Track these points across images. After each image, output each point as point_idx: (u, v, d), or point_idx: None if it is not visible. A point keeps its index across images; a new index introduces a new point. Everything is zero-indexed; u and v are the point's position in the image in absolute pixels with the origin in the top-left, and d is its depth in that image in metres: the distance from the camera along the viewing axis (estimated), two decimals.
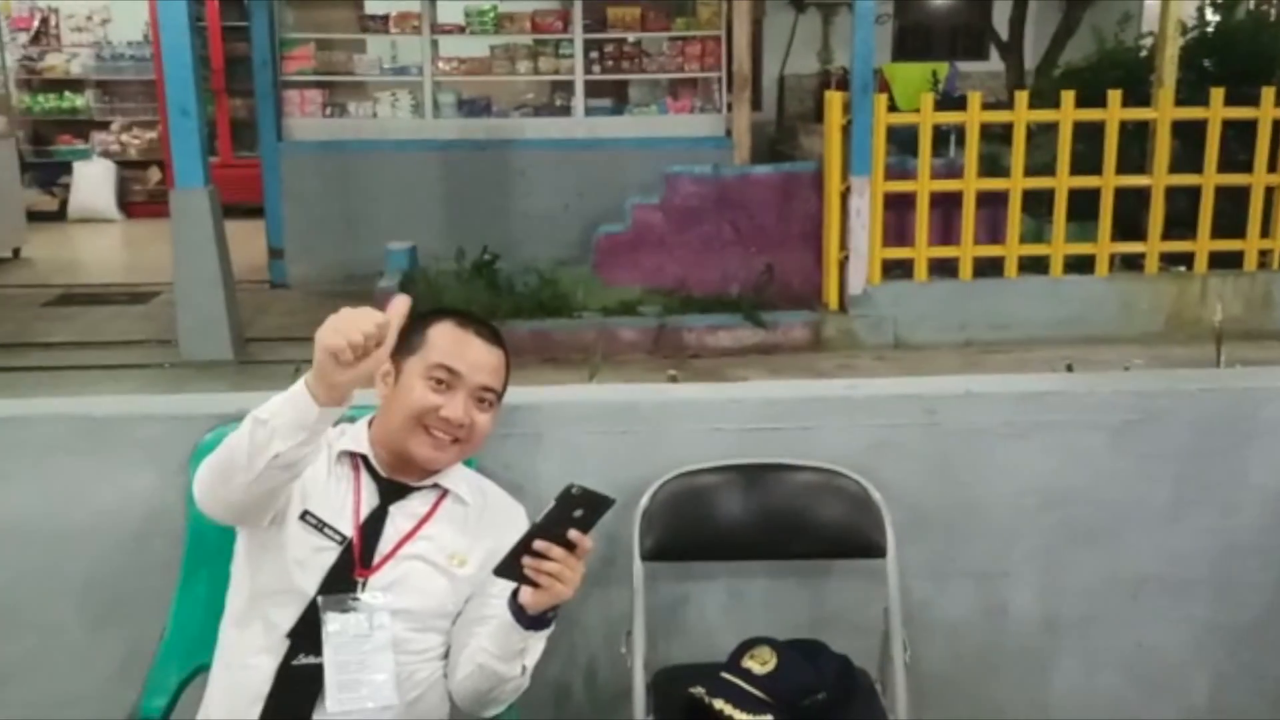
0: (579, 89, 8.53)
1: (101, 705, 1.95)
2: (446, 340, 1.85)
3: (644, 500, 2.14)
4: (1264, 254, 7.07)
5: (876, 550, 2.14)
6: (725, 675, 2.04)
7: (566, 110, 8.60)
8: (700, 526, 2.16)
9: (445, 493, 1.87)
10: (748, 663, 2.06)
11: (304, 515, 1.78)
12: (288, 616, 1.75)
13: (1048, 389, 2.32)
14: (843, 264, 6.94)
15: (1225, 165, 6.91)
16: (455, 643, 1.83)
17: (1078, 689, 2.38)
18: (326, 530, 1.78)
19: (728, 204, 7.29)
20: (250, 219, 8.76)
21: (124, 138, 12.02)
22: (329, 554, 1.77)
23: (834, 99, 6.91)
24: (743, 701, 1.98)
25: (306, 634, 1.74)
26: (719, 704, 1.98)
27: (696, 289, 7.07)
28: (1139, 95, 7.04)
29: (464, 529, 1.86)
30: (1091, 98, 6.81)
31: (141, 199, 11.83)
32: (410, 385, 1.82)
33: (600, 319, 6.78)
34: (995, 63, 11.06)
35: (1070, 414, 2.28)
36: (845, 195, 6.86)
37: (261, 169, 8.47)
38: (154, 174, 11.91)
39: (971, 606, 2.32)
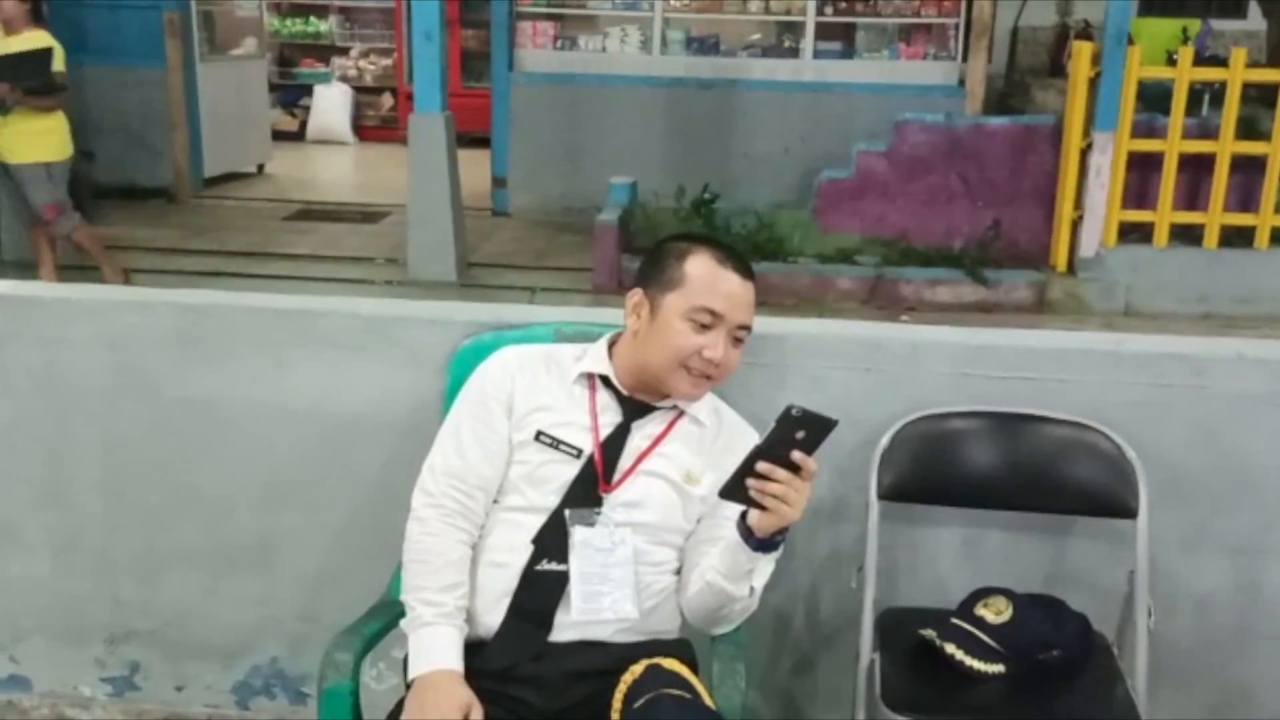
0: (809, 30, 8.38)
1: (358, 583, 2.08)
2: (707, 278, 1.83)
3: (884, 439, 2.11)
4: None
5: (1126, 511, 2.06)
6: (957, 621, 2.02)
7: (795, 52, 8.47)
8: (941, 470, 2.12)
9: (682, 413, 1.90)
10: (981, 610, 2.02)
11: (539, 436, 1.84)
12: (532, 524, 1.82)
13: None
14: (1075, 224, 6.63)
15: None
16: (688, 561, 1.87)
17: None
18: (563, 447, 1.84)
19: (958, 155, 7.06)
20: (474, 148, 9.05)
21: (361, 63, 12.57)
22: (568, 468, 1.83)
23: (1083, 49, 6.57)
24: (976, 649, 1.96)
25: (550, 542, 1.80)
26: (951, 648, 1.96)
27: (917, 241, 6.90)
28: None
29: (699, 449, 1.88)
30: None
31: (374, 123, 12.38)
32: (671, 324, 1.82)
33: (817, 265, 6.70)
34: (1254, 21, 10.25)
35: None
36: (1085, 152, 6.54)
37: (491, 98, 8.70)
38: (386, 100, 12.44)
39: (1224, 581, 2.20)
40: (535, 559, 1.80)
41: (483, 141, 8.93)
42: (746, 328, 1.86)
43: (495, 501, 1.87)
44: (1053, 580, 2.20)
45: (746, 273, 1.87)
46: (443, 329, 2.21)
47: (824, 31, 8.43)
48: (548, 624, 1.78)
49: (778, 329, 2.14)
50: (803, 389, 2.14)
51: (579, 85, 8.40)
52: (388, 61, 12.44)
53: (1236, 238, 6.59)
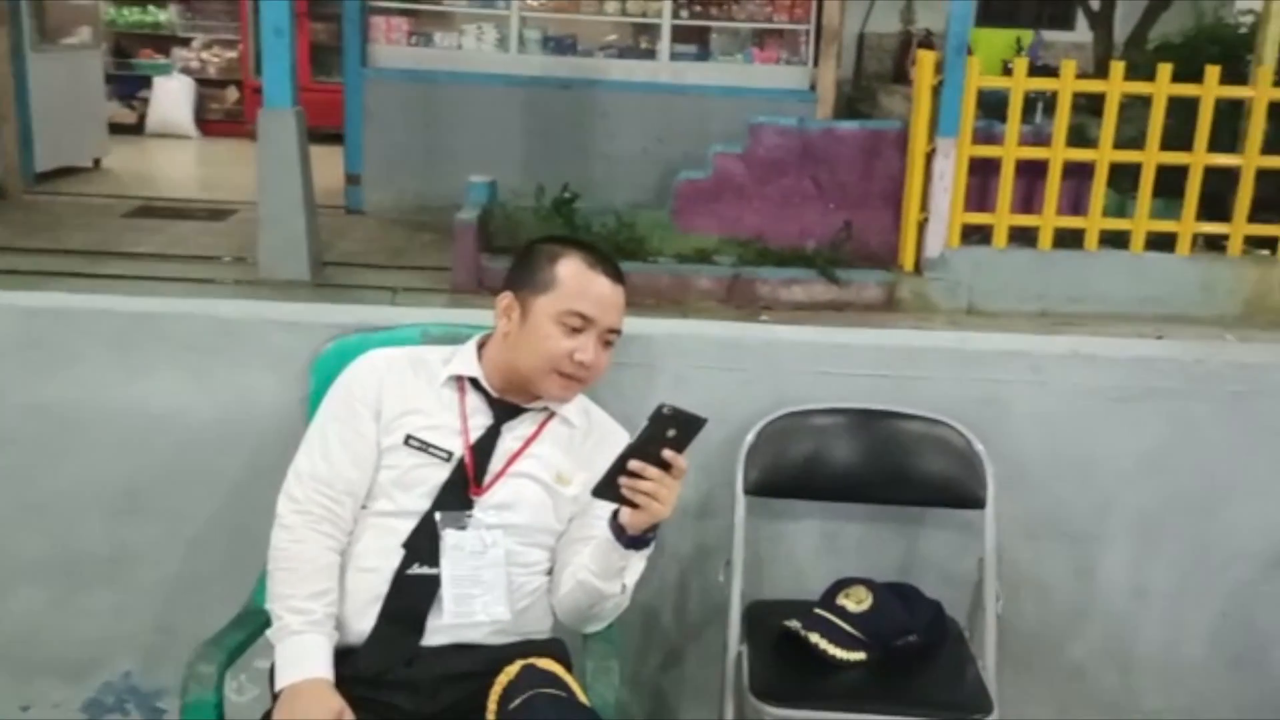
0: (665, 33, 8.48)
1: (220, 592, 2.03)
2: (578, 281, 1.84)
3: (749, 436, 2.17)
4: None
5: (975, 502, 2.17)
6: (820, 611, 2.09)
7: (651, 54, 8.55)
8: (803, 465, 2.19)
9: (552, 414, 1.92)
10: (843, 600, 2.10)
11: (408, 440, 1.84)
12: (403, 528, 1.81)
13: (1156, 355, 2.32)
14: (921, 226, 6.89)
15: None
16: (559, 560, 1.89)
17: (1160, 657, 2.40)
18: (433, 450, 1.83)
19: (810, 158, 7.24)
20: (325, 144, 8.84)
21: (204, 55, 12.14)
22: (438, 471, 1.83)
23: (926, 58, 6.82)
24: (838, 637, 2.03)
25: (421, 546, 1.80)
26: (815, 638, 2.03)
27: (773, 241, 7.05)
28: (1235, 73, 6.87)
29: (570, 450, 1.90)
30: (1184, 73, 6.66)
31: (218, 117, 11.96)
32: (542, 328, 1.83)
33: (676, 265, 6.79)
34: (1081, 34, 10.83)
35: (1178, 382, 2.27)
36: (930, 157, 6.79)
37: (343, 94, 8.52)
38: (231, 93, 12.04)
39: (1063, 566, 2.34)
40: (406, 563, 1.80)
41: (333, 137, 8.73)
42: (616, 331, 1.89)
43: (363, 507, 1.85)
44: (907, 569, 2.30)
45: (617, 276, 1.90)
46: (305, 331, 2.17)
47: (680, 34, 8.55)
48: (419, 628, 1.78)
49: (644, 329, 2.17)
50: (669, 388, 2.18)
51: (435, 82, 8.31)
52: (232, 54, 12.04)
53: (1069, 240, 6.95)
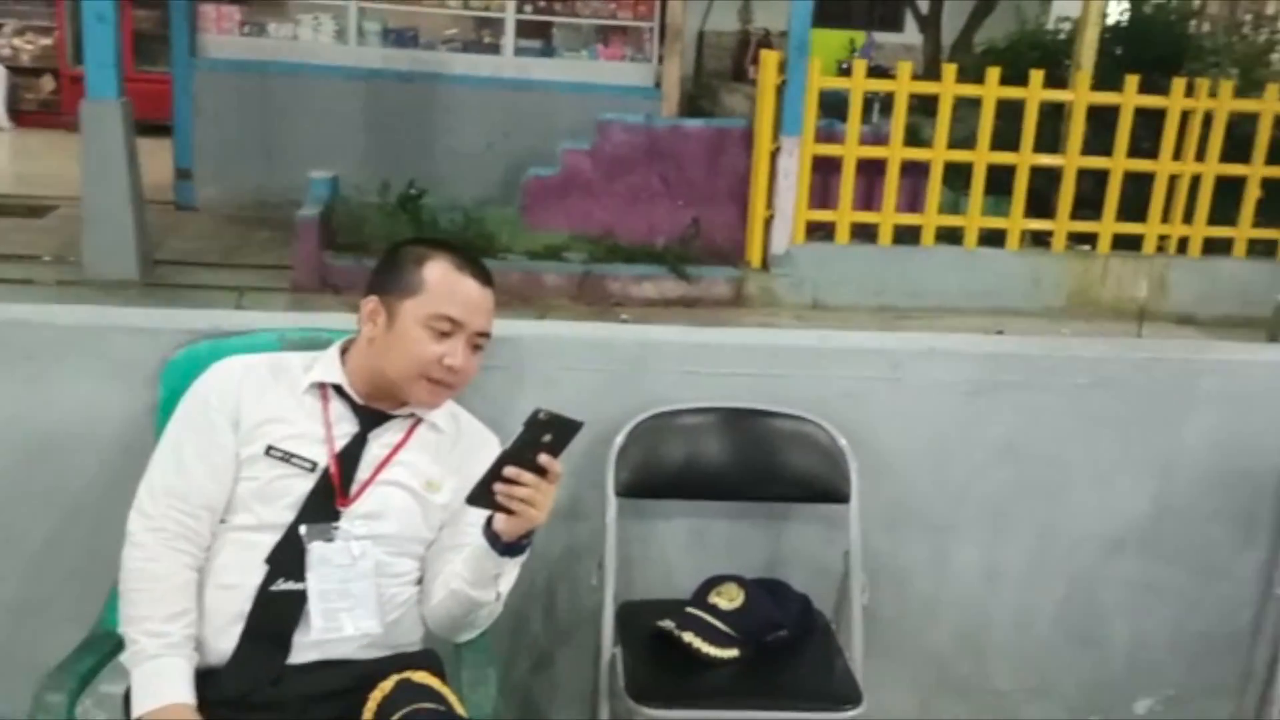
0: (509, 27, 8.41)
1: (65, 615, 1.90)
2: (445, 285, 1.80)
3: (619, 438, 2.17)
4: (1162, 239, 7.38)
5: (839, 496, 2.21)
6: (693, 610, 2.10)
7: (496, 48, 8.48)
8: (673, 465, 2.20)
9: (420, 420, 1.87)
10: (714, 599, 2.12)
11: (269, 450, 1.76)
12: (265, 542, 1.74)
13: (1006, 351, 2.42)
14: (767, 223, 7.03)
15: (1131, 151, 7.16)
16: (429, 569, 1.84)
17: (1011, 638, 2.50)
18: (295, 460, 1.77)
19: (658, 155, 7.31)
20: (151, 137, 8.43)
21: (16, 42, 11.47)
22: (302, 481, 1.76)
23: (769, 58, 6.96)
24: (711, 635, 2.04)
25: (285, 560, 1.73)
26: (688, 637, 2.04)
27: (623, 238, 7.09)
28: (1055, 78, 7.25)
29: (438, 457, 1.86)
30: (1009, 77, 6.98)
31: (32, 108, 11.34)
32: (409, 332, 1.78)
33: (526, 262, 6.75)
34: (910, 35, 11.25)
35: (1025, 375, 2.37)
36: (774, 155, 6.93)
37: (172, 85, 8.17)
38: (47, 82, 11.41)
39: (920, 556, 2.41)
40: (270, 579, 1.72)
41: (160, 130, 8.35)
42: (486, 334, 1.86)
43: (222, 521, 1.76)
44: (775, 564, 2.33)
45: (485, 279, 1.86)
46: (152, 338, 2.05)
47: (524, 29, 8.49)
48: (285, 646, 1.71)
49: (512, 332, 2.14)
50: (538, 391, 2.15)
51: (270, 74, 8.04)
52: (47, 41, 11.41)
53: (908, 236, 7.20)
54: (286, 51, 8.21)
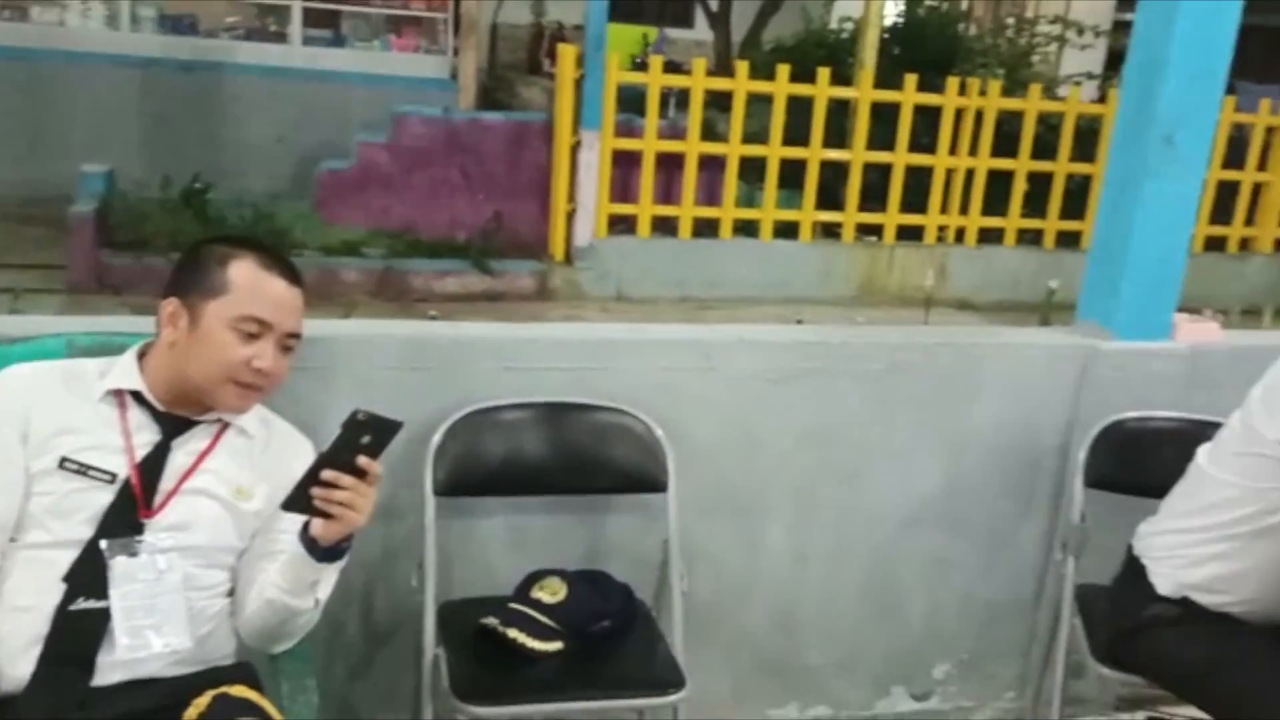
0: (296, 15, 8.14)
1: None
2: (251, 285, 1.73)
3: (436, 437, 2.14)
4: (942, 229, 7.81)
5: (657, 486, 2.26)
6: (516, 605, 2.10)
7: (282, 37, 8.20)
8: (492, 463, 2.19)
9: (227, 425, 1.80)
10: (537, 593, 2.12)
11: (63, 463, 1.67)
12: (62, 560, 1.64)
13: (809, 339, 2.51)
14: (570, 216, 7.06)
15: (912, 147, 7.55)
16: (242, 579, 1.78)
17: (819, 614, 2.60)
18: (92, 472, 1.68)
19: (458, 148, 7.23)
20: None
21: None
22: (100, 494, 1.67)
23: (567, 52, 6.98)
24: (535, 630, 2.05)
25: (85, 577, 1.64)
26: (513, 633, 2.04)
27: (424, 232, 6.98)
28: (840, 75, 7.56)
29: (248, 462, 1.80)
30: (798, 74, 7.24)
31: None
32: (215, 335, 1.72)
33: (322, 258, 6.56)
34: (701, 31, 11.50)
35: (827, 363, 2.47)
36: (575, 149, 6.97)
37: None
38: None
39: (734, 540, 2.49)
40: (69, 598, 1.63)
41: None
42: (296, 335, 1.80)
43: (12, 540, 1.65)
44: (596, 556, 2.36)
45: (294, 278, 1.81)
46: None
47: (312, 18, 8.25)
48: (89, 667, 1.62)
49: (323, 331, 2.08)
50: (352, 392, 2.10)
51: (34, 61, 7.53)
52: None
53: (707, 229, 7.37)
54: (53, 38, 7.70)
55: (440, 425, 2.15)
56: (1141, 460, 2.42)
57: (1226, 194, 8.09)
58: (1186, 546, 2.03)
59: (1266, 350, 2.00)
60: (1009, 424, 2.59)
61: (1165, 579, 2.05)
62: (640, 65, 8.34)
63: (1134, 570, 2.12)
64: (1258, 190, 8.21)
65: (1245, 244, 8.31)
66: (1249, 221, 8.25)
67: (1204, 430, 2.15)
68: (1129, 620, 2.10)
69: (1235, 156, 8.06)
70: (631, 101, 7.24)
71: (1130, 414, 2.47)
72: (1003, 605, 2.72)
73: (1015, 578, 2.71)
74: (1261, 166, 8.14)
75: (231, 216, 6.47)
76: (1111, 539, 2.26)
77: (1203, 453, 2.08)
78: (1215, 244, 8.20)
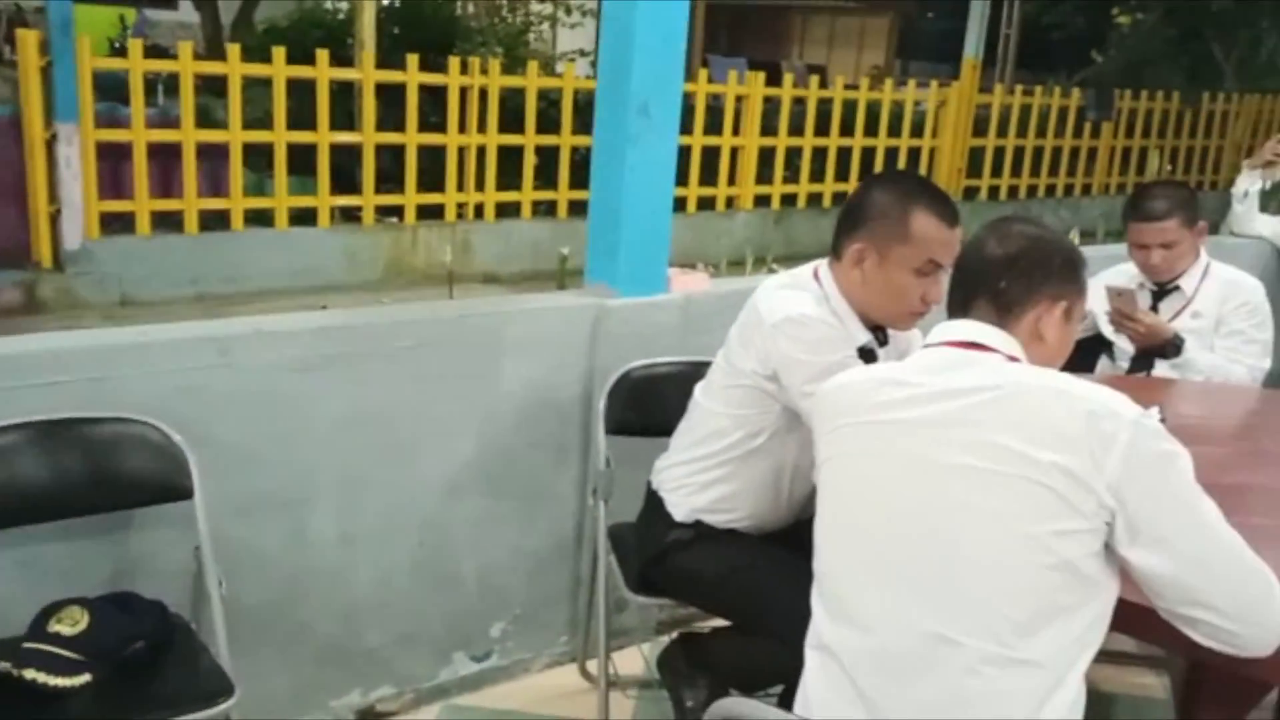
0: None
1: None
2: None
3: None
4: (461, 206, 7.96)
5: (182, 493, 2.14)
6: (31, 644, 1.91)
7: None
8: None
9: None
10: (55, 626, 1.95)
11: None
12: None
13: (333, 324, 2.49)
14: (54, 218, 6.40)
15: (422, 126, 7.61)
16: None
17: (375, 595, 2.60)
18: None
19: None
20: None
21: None
22: None
23: (28, 37, 6.28)
24: (57, 666, 1.88)
25: None
26: (30, 674, 1.86)
27: None
28: (340, 57, 7.44)
29: None
30: (296, 56, 7.03)
31: None
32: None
33: None
34: (186, 13, 10.85)
35: (354, 345, 2.46)
36: (50, 143, 6.31)
37: None
38: None
39: (277, 535, 2.42)
40: None
41: None
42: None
43: None
44: (123, 577, 2.19)
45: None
46: None
47: None
48: None
49: None
50: None
51: None
52: None
53: (217, 222, 6.98)
54: None
55: None
56: (651, 403, 2.65)
57: (713, 158, 8.93)
58: (693, 474, 2.26)
59: (746, 293, 2.25)
60: (536, 383, 2.73)
61: (679, 507, 2.27)
62: (119, 50, 7.70)
63: (654, 503, 2.33)
64: (736, 153, 9.13)
65: (731, 202, 9.23)
66: (731, 182, 9.17)
67: (700, 370, 2.39)
68: (653, 548, 2.31)
69: (716, 123, 8.91)
70: (114, 89, 6.66)
71: (638, 363, 2.69)
72: (548, 554, 2.88)
73: (557, 526, 2.87)
74: (736, 131, 9.05)
75: None
76: (636, 478, 2.46)
77: (698, 390, 2.32)
78: (707, 204, 9.04)
